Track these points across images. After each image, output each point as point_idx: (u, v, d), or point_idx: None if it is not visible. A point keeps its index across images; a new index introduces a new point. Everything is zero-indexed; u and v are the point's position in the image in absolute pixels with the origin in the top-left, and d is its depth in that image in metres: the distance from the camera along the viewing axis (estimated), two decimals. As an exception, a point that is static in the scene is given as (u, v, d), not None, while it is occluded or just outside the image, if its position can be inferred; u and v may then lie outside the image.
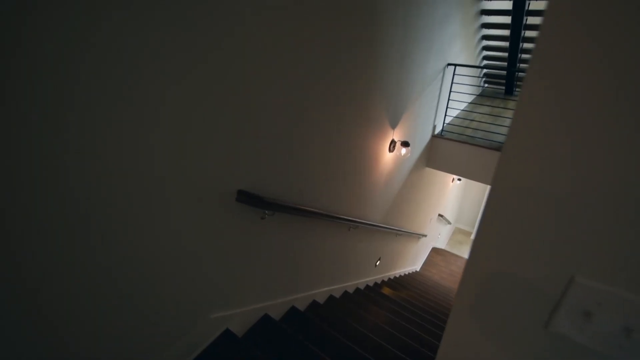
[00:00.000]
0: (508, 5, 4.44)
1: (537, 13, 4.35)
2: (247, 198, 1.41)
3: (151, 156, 1.03)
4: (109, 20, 0.82)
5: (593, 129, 0.35)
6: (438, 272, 6.82)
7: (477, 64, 5.51)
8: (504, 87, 6.36)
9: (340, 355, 1.95)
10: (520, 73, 5.52)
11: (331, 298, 2.79)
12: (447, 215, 8.00)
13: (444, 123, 4.26)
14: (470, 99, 5.53)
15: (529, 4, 4.22)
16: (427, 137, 3.94)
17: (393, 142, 2.89)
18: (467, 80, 4.86)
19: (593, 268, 0.37)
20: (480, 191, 9.87)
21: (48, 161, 0.81)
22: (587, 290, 0.37)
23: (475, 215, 10.15)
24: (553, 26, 0.35)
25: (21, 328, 0.90)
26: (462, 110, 5.21)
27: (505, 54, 5.42)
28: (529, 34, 4.71)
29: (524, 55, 5.07)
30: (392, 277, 4.79)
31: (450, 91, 4.07)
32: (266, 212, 1.56)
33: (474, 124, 4.60)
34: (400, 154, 2.94)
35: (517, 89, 6.09)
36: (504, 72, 5.96)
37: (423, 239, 5.96)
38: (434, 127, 4.03)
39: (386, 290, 3.94)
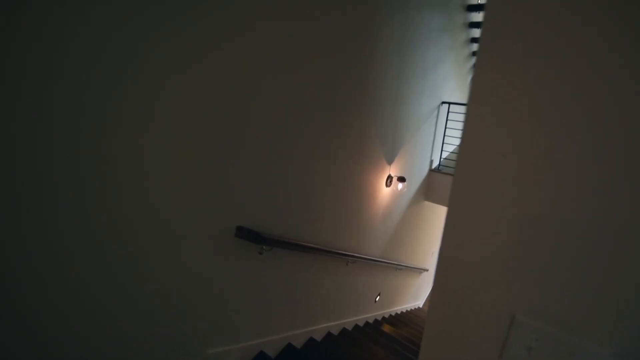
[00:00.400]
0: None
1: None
2: (245, 234, 1.47)
3: (147, 196, 1.11)
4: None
5: (526, 176, 0.43)
6: (441, 308, 6.62)
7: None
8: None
9: (337, 395, 1.91)
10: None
11: (329, 335, 2.75)
12: (449, 248, 7.89)
13: (440, 158, 4.38)
14: (466, 134, 5.68)
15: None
16: (425, 171, 4.04)
17: (390, 177, 2.98)
18: (461, 117, 5.05)
19: (530, 308, 0.43)
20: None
21: (55, 223, 0.89)
22: (526, 328, 0.43)
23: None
24: (489, 52, 0.44)
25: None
26: (459, 145, 5.35)
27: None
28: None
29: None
30: (393, 314, 4.68)
31: (446, 127, 4.22)
32: (264, 247, 1.61)
33: (471, 159, 4.70)
34: (397, 188, 3.02)
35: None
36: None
37: (425, 273, 5.88)
38: (431, 162, 4.14)
39: (387, 328, 3.85)
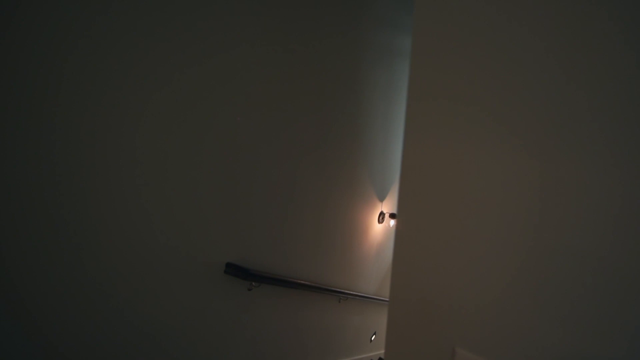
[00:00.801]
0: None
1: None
2: (234, 270, 1.51)
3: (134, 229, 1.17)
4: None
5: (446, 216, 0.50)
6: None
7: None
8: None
9: None
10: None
11: (321, 377, 2.67)
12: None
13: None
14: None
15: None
16: (418, 207, 4.10)
17: (382, 214, 3.04)
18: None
19: (469, 341, 0.49)
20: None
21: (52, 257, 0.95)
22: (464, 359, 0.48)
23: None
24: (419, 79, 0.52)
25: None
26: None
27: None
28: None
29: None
30: (390, 355, 4.50)
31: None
32: (253, 283, 1.64)
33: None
34: (389, 225, 3.07)
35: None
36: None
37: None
38: (424, 198, 4.22)
39: (383, 370, 3.70)
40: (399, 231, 0.54)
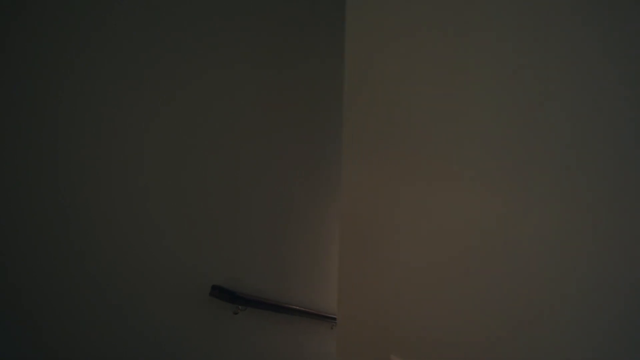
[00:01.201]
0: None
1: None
2: (220, 293, 1.52)
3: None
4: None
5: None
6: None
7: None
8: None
9: None
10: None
11: (315, 410, 2.55)
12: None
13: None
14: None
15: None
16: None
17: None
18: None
19: (405, 350, 0.50)
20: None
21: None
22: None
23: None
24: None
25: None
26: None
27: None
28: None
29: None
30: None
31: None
32: (239, 307, 1.64)
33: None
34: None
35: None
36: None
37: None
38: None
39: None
40: (341, 254, 0.57)
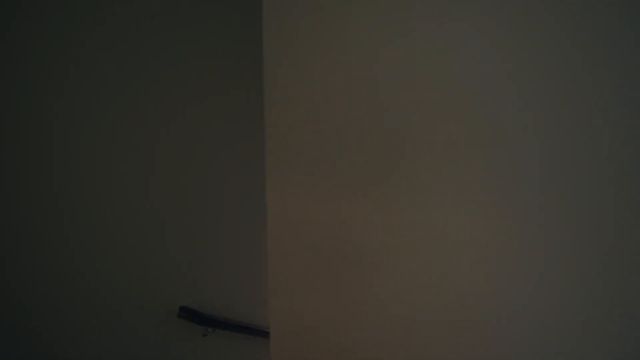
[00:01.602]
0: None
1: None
2: (187, 314, 1.50)
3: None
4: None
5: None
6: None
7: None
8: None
9: None
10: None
11: None
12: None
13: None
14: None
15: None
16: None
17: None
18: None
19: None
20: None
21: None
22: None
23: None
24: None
25: None
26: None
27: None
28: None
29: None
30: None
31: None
32: (209, 329, 1.61)
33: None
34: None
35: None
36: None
37: None
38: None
39: None
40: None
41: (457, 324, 0.56)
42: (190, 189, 1.71)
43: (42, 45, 1.00)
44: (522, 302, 0.52)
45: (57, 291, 1.08)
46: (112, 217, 1.11)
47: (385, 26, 0.55)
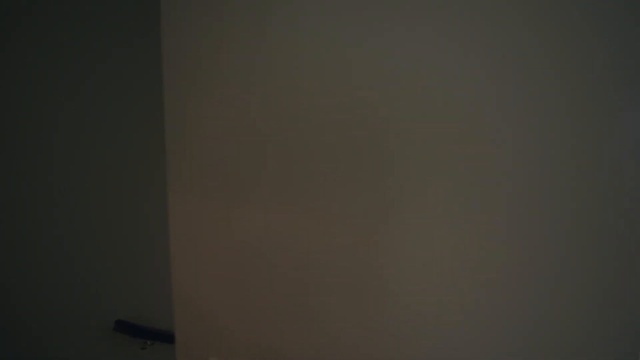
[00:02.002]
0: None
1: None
2: (123, 327, 1.50)
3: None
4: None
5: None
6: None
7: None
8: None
9: None
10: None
11: None
12: None
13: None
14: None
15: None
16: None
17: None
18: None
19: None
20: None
21: None
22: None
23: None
24: None
25: None
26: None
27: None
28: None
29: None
30: None
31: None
32: (148, 342, 1.61)
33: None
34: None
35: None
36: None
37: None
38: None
39: None
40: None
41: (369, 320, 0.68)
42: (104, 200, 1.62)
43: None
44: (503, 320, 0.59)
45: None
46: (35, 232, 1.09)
47: (297, 28, 0.63)
